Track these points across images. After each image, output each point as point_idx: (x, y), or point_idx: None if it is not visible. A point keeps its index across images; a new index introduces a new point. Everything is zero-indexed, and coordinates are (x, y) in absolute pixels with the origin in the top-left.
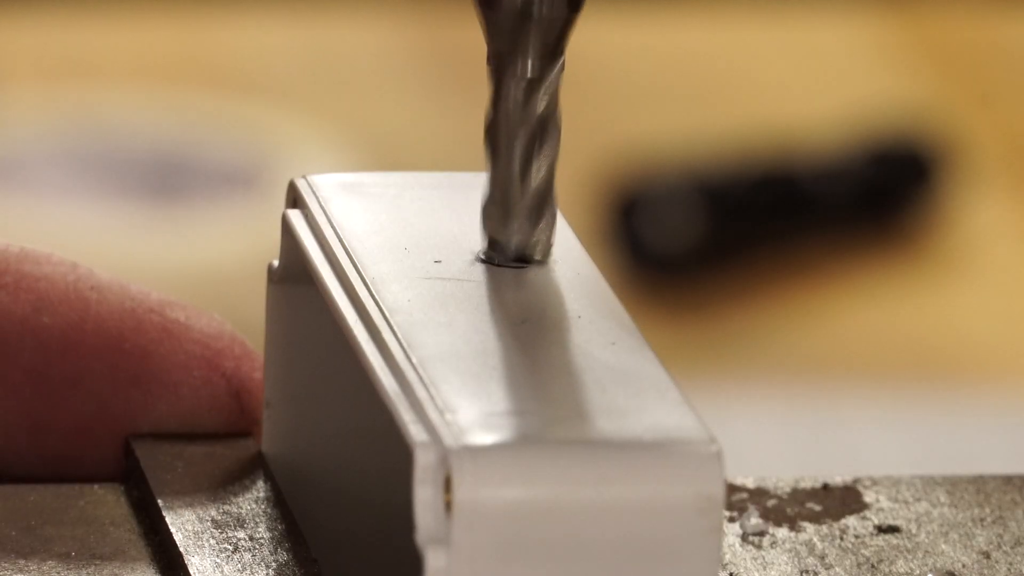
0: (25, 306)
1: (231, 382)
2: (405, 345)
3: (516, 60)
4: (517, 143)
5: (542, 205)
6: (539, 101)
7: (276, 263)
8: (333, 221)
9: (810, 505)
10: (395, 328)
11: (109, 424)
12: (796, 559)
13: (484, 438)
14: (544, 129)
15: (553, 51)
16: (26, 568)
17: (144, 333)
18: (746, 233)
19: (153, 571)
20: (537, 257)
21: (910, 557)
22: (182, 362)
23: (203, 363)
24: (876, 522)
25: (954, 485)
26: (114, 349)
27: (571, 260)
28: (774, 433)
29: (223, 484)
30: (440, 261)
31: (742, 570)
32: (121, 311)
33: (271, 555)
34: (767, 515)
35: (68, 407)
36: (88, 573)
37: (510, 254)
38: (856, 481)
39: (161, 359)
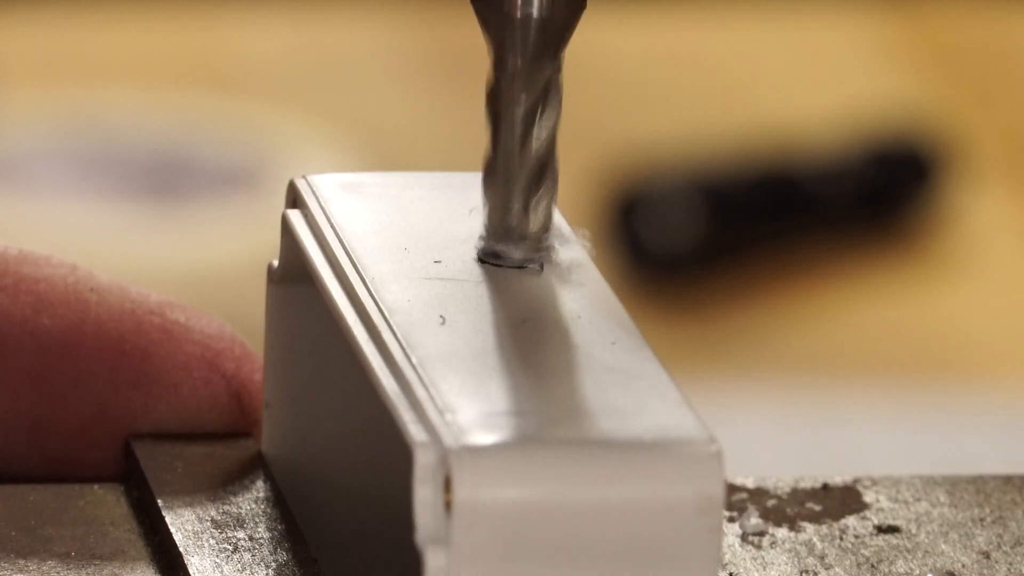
0: (25, 308)
1: (231, 383)
2: (405, 345)
3: (516, 61)
4: (518, 108)
5: (543, 171)
6: (539, 80)
7: (276, 263)
8: (333, 221)
9: (810, 505)
10: (395, 328)
11: (109, 426)
12: (796, 559)
13: (484, 438)
14: (546, 96)
15: (554, 52)
16: (26, 568)
17: (144, 334)
18: (746, 233)
19: (153, 571)
20: (535, 228)
21: (910, 557)
22: (182, 363)
23: (203, 364)
24: (876, 522)
25: (954, 485)
26: (114, 350)
27: (571, 260)
28: (774, 433)
29: (223, 484)
30: (440, 261)
31: (742, 570)
32: (121, 312)
33: (271, 555)
34: (767, 515)
35: (68, 409)
36: (88, 573)
37: (511, 221)
38: (856, 481)
39: (161, 360)
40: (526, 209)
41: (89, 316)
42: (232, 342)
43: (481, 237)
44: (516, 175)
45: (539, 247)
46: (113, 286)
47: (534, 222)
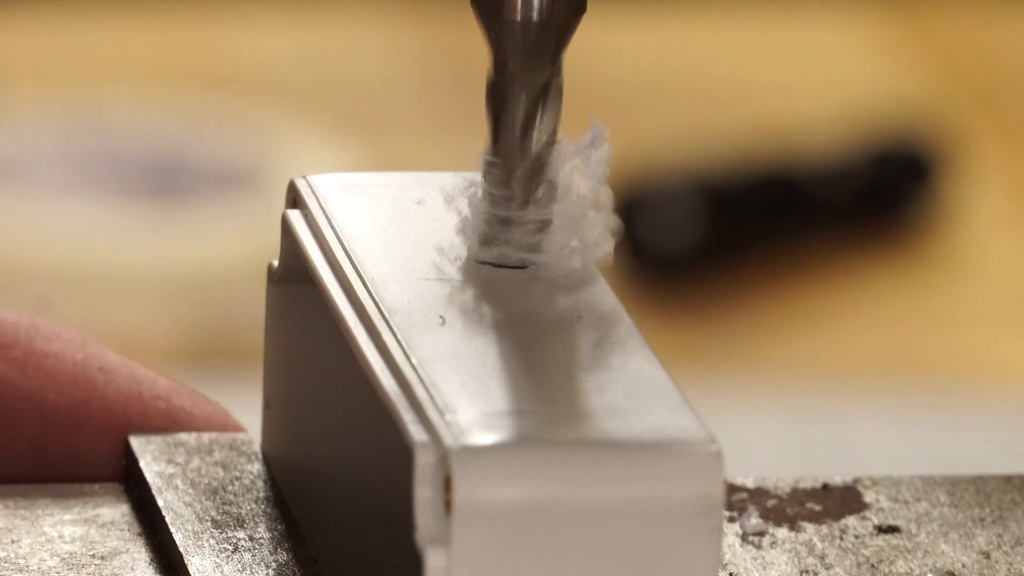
0: (32, 382)
1: None
2: (405, 346)
3: (516, 63)
4: (518, 110)
5: (542, 172)
6: (539, 83)
7: (276, 263)
8: (333, 221)
9: (810, 505)
10: (395, 329)
11: None
12: (796, 559)
13: (484, 438)
14: (545, 97)
15: (553, 54)
16: (26, 568)
17: (148, 419)
18: (747, 233)
19: (153, 571)
20: (535, 229)
21: (910, 557)
22: None
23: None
24: (876, 522)
25: (954, 485)
26: (118, 432)
27: (571, 261)
28: (774, 433)
29: (223, 484)
30: (440, 261)
31: (742, 570)
32: (128, 395)
33: (271, 555)
34: (767, 515)
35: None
36: (88, 573)
37: (510, 221)
38: (856, 481)
39: None
40: (526, 210)
41: (96, 395)
42: (235, 432)
43: (481, 237)
44: (516, 176)
45: (539, 248)
46: (122, 366)
47: (534, 223)
